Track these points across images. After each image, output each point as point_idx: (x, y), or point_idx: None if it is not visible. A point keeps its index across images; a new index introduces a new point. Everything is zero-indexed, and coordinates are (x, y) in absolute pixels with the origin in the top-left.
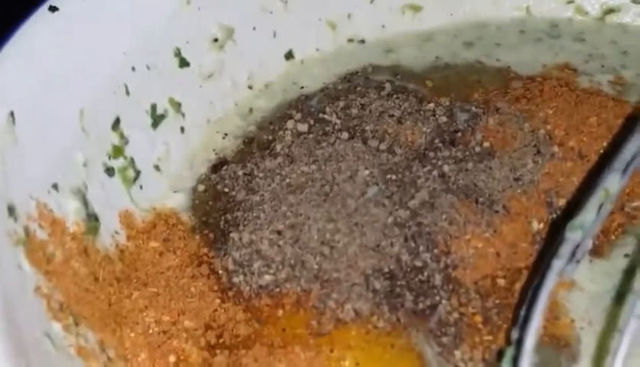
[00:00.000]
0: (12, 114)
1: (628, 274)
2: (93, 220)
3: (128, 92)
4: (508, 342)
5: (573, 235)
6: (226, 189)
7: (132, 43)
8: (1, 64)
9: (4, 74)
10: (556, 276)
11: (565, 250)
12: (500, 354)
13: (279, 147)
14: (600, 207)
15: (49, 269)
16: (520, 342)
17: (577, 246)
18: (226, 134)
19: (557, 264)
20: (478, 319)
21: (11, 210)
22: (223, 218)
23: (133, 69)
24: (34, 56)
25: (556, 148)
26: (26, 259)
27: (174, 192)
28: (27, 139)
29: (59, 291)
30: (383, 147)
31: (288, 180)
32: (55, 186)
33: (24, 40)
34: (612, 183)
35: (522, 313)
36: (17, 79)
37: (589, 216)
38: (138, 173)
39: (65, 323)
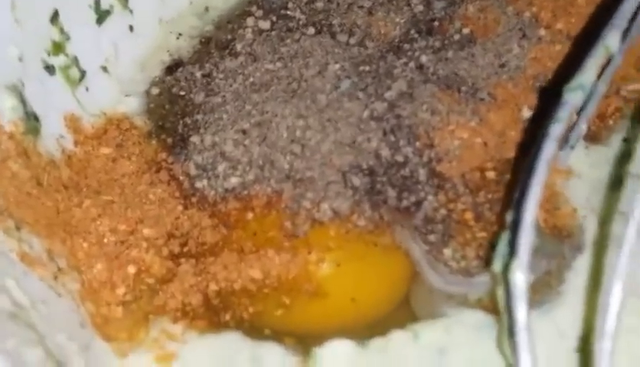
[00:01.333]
0: None
1: (626, 158)
2: (32, 119)
3: None
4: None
5: (571, 96)
6: (182, 92)
7: None
8: None
9: None
10: (554, 143)
11: (563, 114)
12: (494, 247)
13: (239, 46)
14: (601, 72)
15: None
16: (516, 224)
17: (579, 113)
18: (180, 35)
19: (555, 129)
20: (469, 215)
21: None
22: (181, 122)
23: None
24: None
25: (542, 31)
26: None
27: (126, 96)
28: None
29: None
30: (353, 41)
31: (251, 79)
32: None
33: None
34: (613, 40)
35: (516, 192)
36: None
37: (588, 76)
38: (83, 73)
39: (4, 226)
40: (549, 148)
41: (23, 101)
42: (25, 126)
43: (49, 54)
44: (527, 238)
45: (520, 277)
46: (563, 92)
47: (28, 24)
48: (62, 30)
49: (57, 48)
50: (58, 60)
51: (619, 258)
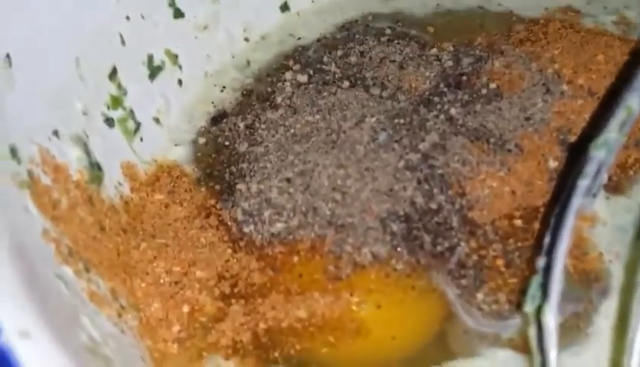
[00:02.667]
0: (8, 56)
1: None
2: (96, 169)
3: (123, 42)
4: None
5: (597, 153)
6: (227, 142)
7: None
8: None
9: None
10: (581, 197)
11: (590, 169)
12: (524, 292)
13: (279, 99)
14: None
15: (55, 214)
16: (547, 269)
17: (601, 166)
18: (224, 87)
19: (583, 183)
20: (500, 262)
21: (14, 152)
22: (227, 170)
23: (127, 18)
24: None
25: (565, 86)
26: (32, 202)
27: (175, 145)
28: (25, 82)
29: (67, 237)
30: (385, 94)
31: (292, 130)
32: (56, 133)
33: None
34: (634, 100)
35: (547, 239)
36: (11, 23)
37: (612, 134)
38: (138, 124)
39: (75, 269)
40: (577, 201)
41: (87, 151)
42: (90, 175)
43: (108, 108)
44: (557, 283)
45: (551, 320)
46: (589, 148)
47: (90, 81)
48: (119, 86)
49: (116, 102)
50: (116, 113)
51: None
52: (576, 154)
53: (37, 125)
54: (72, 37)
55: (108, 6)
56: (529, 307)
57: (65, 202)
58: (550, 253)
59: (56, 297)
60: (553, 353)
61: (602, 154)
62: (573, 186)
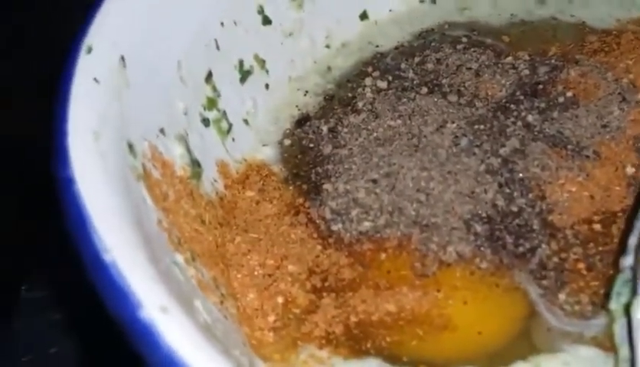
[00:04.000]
0: (123, 58)
1: None
2: (196, 166)
3: (218, 47)
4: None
5: None
6: (311, 145)
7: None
8: (110, 10)
9: (114, 19)
10: None
11: None
12: (607, 296)
13: (360, 104)
14: None
15: (165, 206)
16: (635, 266)
17: None
18: (307, 92)
19: None
20: (581, 265)
21: (131, 147)
22: (313, 170)
23: (222, 24)
24: (135, 6)
25: None
26: (147, 194)
27: (263, 145)
28: (137, 83)
29: (175, 228)
30: (463, 101)
31: (375, 134)
32: (162, 131)
33: None
34: None
35: (633, 240)
36: (125, 27)
37: None
38: (230, 125)
39: (185, 257)
40: None
41: (188, 149)
42: (191, 171)
43: (205, 109)
44: None
45: None
46: None
47: (190, 83)
48: (214, 88)
49: (211, 103)
50: (212, 114)
51: None
52: None
53: (148, 123)
54: (175, 42)
55: (205, 13)
56: (614, 305)
57: (172, 196)
58: (637, 251)
59: (175, 281)
60: None
61: None
62: None
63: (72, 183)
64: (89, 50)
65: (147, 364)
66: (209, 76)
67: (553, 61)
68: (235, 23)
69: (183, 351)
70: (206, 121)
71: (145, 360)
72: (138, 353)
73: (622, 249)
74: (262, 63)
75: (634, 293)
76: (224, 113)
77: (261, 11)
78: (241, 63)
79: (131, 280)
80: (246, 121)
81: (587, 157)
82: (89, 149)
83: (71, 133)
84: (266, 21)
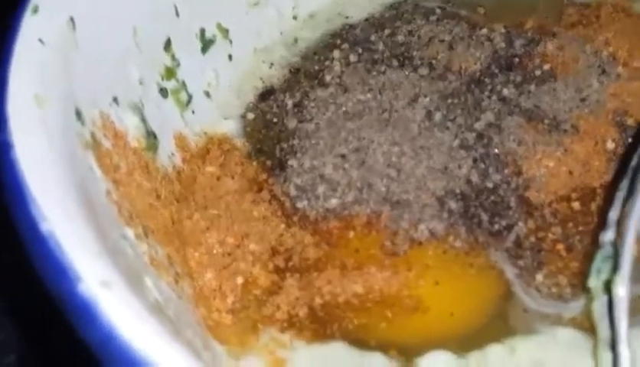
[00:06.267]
0: (72, 19)
1: None
2: (152, 138)
3: (177, 14)
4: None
5: None
6: (275, 119)
7: None
8: None
9: None
10: None
11: None
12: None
13: (328, 77)
14: None
15: (116, 177)
16: (615, 241)
17: None
18: (272, 64)
19: None
20: (560, 246)
21: (79, 114)
22: (277, 146)
23: None
24: None
25: (620, 69)
26: (95, 163)
27: (225, 119)
28: (87, 47)
29: (127, 201)
30: (434, 74)
31: (344, 109)
32: (115, 100)
33: None
34: None
35: (612, 214)
36: None
37: None
38: (190, 97)
39: (136, 232)
40: None
41: (144, 120)
42: (146, 143)
43: (162, 79)
44: (629, 253)
45: (622, 291)
46: None
47: (146, 50)
48: (173, 57)
49: (169, 73)
50: (170, 84)
51: None
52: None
53: (99, 91)
54: (130, 6)
55: None
56: (593, 282)
57: (124, 167)
58: (621, 225)
59: (123, 256)
60: (623, 324)
61: None
62: None
63: (10, 147)
64: (36, 10)
65: (87, 344)
66: (167, 44)
67: (529, 34)
68: None
69: (124, 328)
70: (164, 92)
71: (85, 339)
72: (79, 332)
73: (602, 224)
74: (225, 32)
75: (615, 269)
76: (184, 84)
77: None
78: (202, 31)
79: (70, 252)
80: (207, 93)
81: (565, 131)
82: (30, 113)
83: (11, 96)
84: None
